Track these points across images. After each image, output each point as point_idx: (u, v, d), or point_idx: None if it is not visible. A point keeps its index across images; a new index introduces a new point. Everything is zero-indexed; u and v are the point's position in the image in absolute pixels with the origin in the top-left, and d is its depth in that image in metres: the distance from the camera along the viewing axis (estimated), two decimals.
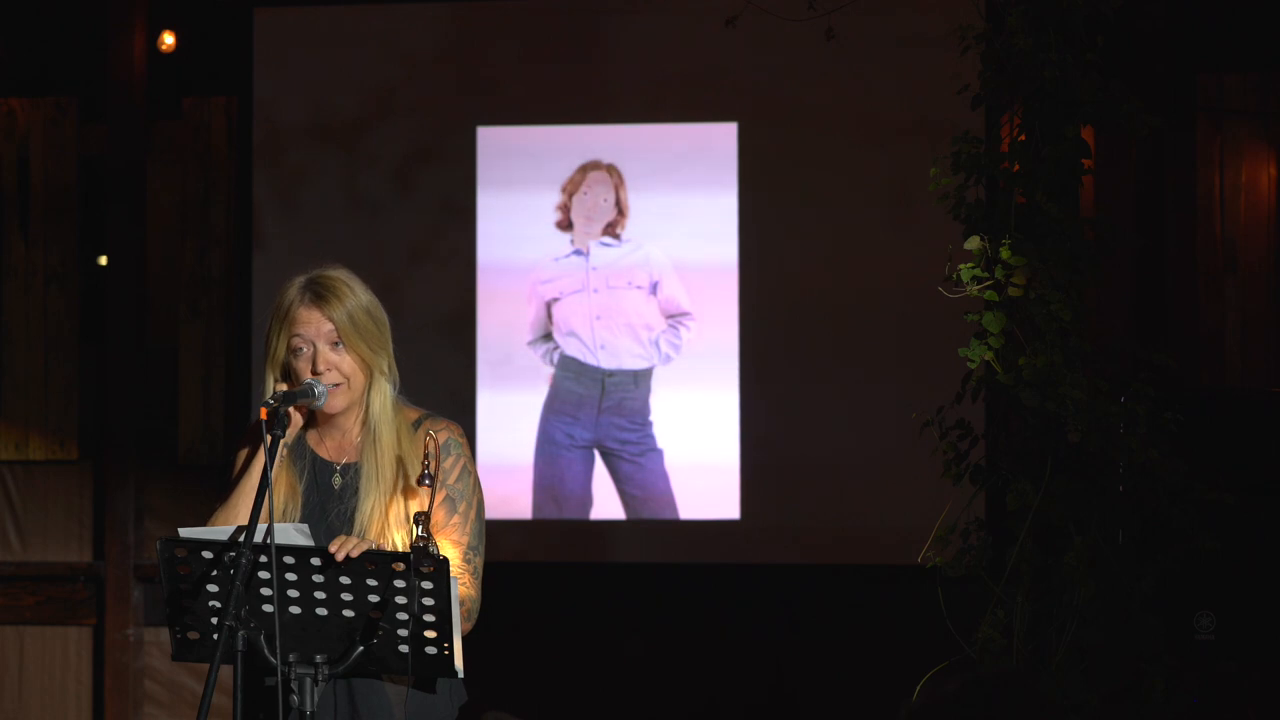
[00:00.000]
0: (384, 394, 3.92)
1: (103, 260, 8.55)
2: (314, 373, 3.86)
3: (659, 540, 8.00)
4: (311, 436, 3.97)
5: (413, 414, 3.96)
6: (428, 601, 3.63)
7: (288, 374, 3.91)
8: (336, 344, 3.88)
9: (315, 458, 3.96)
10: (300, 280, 3.91)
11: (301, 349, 3.87)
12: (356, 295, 3.90)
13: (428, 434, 3.87)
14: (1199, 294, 7.95)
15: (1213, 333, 7.95)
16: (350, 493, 3.91)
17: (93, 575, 8.41)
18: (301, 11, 8.30)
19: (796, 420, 7.92)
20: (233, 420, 8.33)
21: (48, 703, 8.44)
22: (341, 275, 3.92)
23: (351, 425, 3.96)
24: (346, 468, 3.94)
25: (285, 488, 3.91)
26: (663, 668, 7.99)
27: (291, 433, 3.87)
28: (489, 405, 8.06)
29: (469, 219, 8.13)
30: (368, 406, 3.92)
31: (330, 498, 3.93)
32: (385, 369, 3.92)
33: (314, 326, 3.87)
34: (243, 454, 3.97)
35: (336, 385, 3.88)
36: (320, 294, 3.87)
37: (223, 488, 3.96)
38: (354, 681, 3.80)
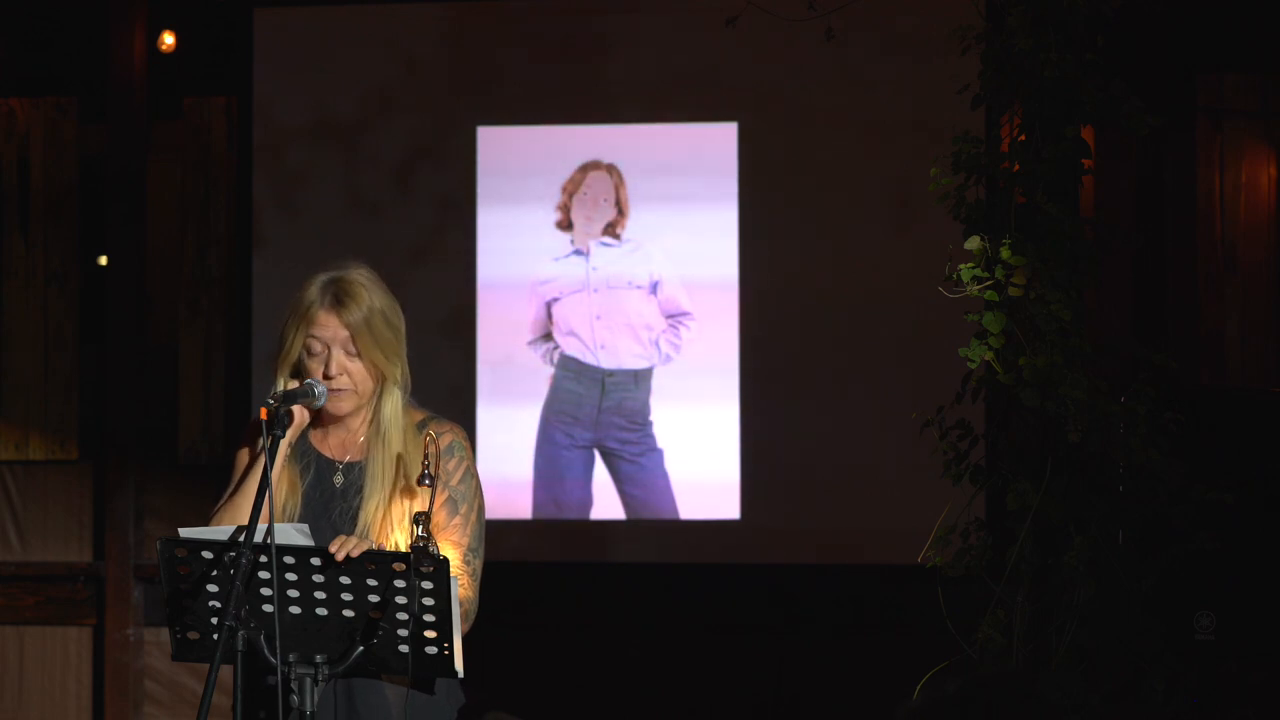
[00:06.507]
0: (395, 399, 3.93)
1: (103, 260, 8.54)
2: (325, 376, 3.87)
3: (659, 540, 8.00)
4: (315, 434, 3.97)
5: (417, 415, 3.97)
6: (428, 601, 3.63)
7: (298, 373, 3.92)
8: (351, 350, 3.88)
9: (318, 456, 3.96)
10: (321, 280, 3.91)
11: (317, 351, 3.88)
12: (375, 300, 3.90)
13: (429, 435, 3.87)
14: (1199, 294, 7.94)
15: (1213, 333, 7.95)
16: (353, 492, 3.91)
17: (93, 575, 8.40)
18: (301, 11, 8.29)
19: (797, 420, 7.91)
20: (233, 420, 8.32)
21: (48, 703, 8.43)
22: (362, 278, 3.92)
23: (358, 425, 3.96)
24: (350, 466, 3.95)
25: (286, 485, 3.91)
26: (663, 668, 7.99)
27: (295, 431, 3.87)
28: (489, 405, 8.06)
29: (469, 219, 8.12)
30: (378, 410, 3.93)
31: (333, 496, 3.93)
32: (397, 376, 3.93)
33: (331, 331, 3.88)
34: (243, 453, 3.97)
35: (343, 390, 3.89)
36: (340, 299, 3.88)
37: (223, 488, 3.96)
38: (354, 681, 3.80)
